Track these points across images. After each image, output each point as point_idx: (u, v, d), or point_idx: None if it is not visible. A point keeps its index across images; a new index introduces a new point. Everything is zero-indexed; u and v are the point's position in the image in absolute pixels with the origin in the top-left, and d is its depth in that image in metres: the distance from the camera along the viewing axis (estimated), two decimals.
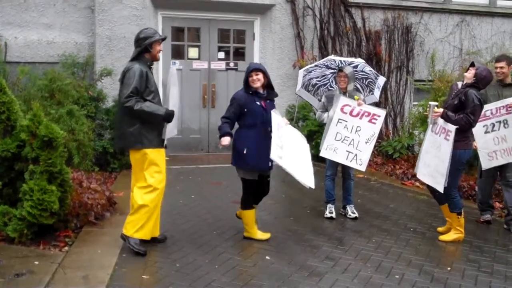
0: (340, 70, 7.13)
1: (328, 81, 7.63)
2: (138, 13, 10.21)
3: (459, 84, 6.55)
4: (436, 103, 6.68)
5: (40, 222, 5.66)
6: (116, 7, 10.09)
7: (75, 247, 5.73)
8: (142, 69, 5.55)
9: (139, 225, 5.63)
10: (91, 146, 8.39)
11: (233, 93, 6.31)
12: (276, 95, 6.38)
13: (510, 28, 12.81)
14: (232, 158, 6.17)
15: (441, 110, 6.41)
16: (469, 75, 6.37)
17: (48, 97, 8.36)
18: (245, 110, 6.02)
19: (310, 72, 7.60)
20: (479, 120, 6.65)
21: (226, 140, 5.93)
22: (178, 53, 10.99)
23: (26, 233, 5.66)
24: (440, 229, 6.89)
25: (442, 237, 6.65)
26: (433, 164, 6.54)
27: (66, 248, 5.69)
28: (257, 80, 6.07)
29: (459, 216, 6.55)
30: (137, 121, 5.56)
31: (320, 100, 7.53)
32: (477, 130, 6.92)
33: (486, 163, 7.19)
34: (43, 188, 5.59)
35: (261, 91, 6.15)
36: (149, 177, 5.62)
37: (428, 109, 6.66)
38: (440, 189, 6.39)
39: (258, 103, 6.06)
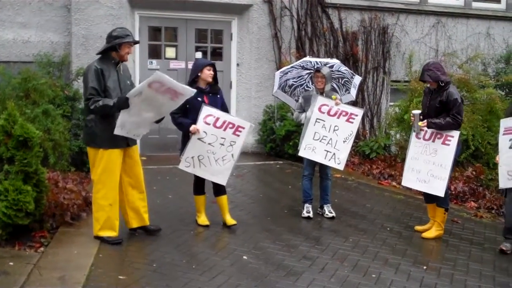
0: (317, 70, 7.14)
1: (304, 81, 7.65)
2: (114, 12, 10.13)
3: None
4: (419, 111, 6.66)
5: (15, 223, 5.58)
6: (93, 6, 10.01)
7: (51, 248, 5.67)
8: (97, 67, 5.62)
9: (100, 224, 5.76)
10: (67, 146, 8.30)
11: None
12: (219, 88, 6.53)
13: (485, 29, 12.94)
14: (180, 150, 6.53)
15: (425, 122, 6.49)
16: (433, 84, 6.44)
17: (23, 96, 8.25)
18: (187, 106, 6.22)
19: (286, 73, 7.60)
20: (506, 132, 6.29)
21: (194, 129, 6.20)
22: (155, 53, 10.93)
23: (1, 233, 5.58)
24: (417, 227, 6.95)
25: (424, 234, 6.72)
26: (425, 169, 6.52)
27: (42, 248, 5.63)
28: (210, 75, 6.30)
29: (446, 213, 6.63)
30: (93, 120, 5.69)
31: (297, 101, 7.55)
32: (502, 143, 6.34)
33: (504, 182, 6.33)
34: (18, 188, 5.53)
35: (203, 86, 6.33)
36: (95, 174, 5.77)
37: (412, 118, 6.65)
38: (440, 193, 6.42)
39: (199, 98, 6.25)
